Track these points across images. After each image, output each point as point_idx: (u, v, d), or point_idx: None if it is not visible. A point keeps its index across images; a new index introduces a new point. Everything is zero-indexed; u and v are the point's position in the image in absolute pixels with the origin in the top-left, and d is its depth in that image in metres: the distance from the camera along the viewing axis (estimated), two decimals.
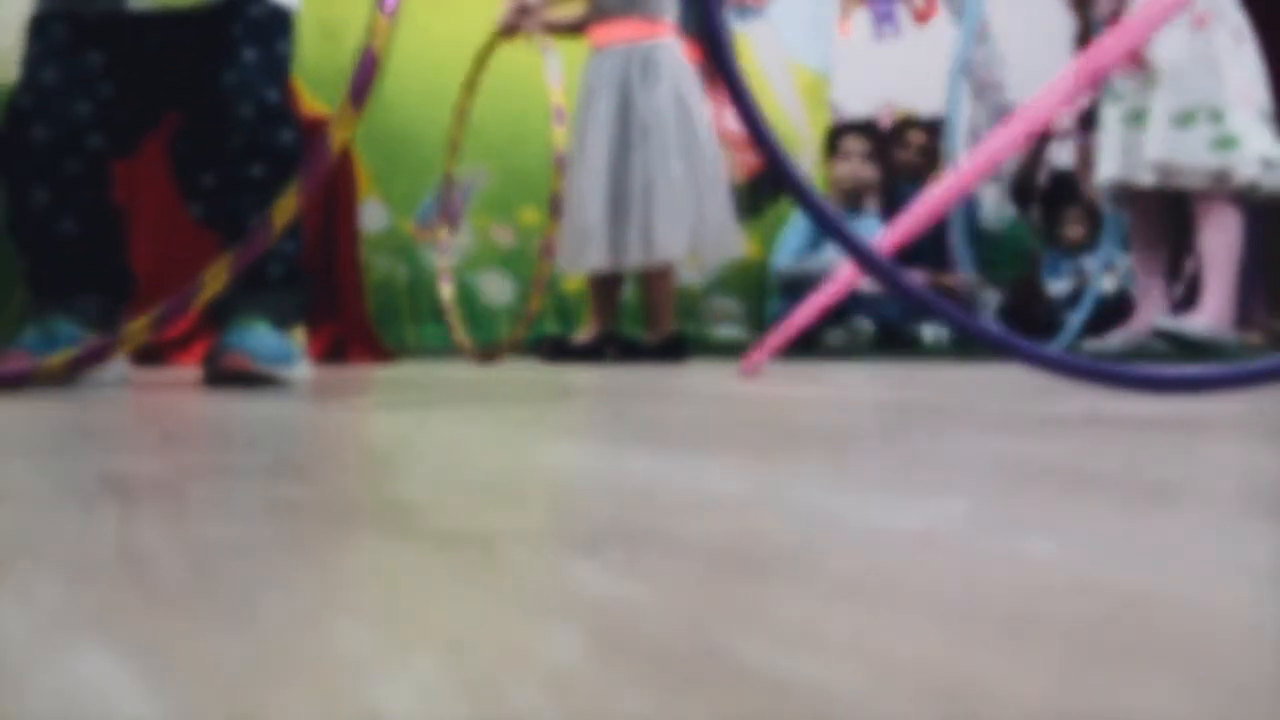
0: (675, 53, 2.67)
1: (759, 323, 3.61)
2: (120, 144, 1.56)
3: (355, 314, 2.87)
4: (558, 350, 2.69)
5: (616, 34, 2.64)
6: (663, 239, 2.56)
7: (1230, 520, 0.40)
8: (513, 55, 2.70)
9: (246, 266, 1.34)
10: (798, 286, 3.44)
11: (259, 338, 1.45)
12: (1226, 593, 0.28)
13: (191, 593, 0.27)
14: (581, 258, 2.64)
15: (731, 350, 3.06)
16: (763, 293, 3.67)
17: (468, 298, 3.22)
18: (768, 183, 3.81)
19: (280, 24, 1.59)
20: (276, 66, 1.57)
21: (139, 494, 0.46)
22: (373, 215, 3.09)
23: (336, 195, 2.62)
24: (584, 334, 2.74)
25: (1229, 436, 0.75)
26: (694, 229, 2.62)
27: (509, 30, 2.62)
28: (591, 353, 2.69)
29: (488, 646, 0.22)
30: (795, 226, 3.55)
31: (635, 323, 3.01)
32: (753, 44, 3.89)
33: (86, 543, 0.34)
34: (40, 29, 1.51)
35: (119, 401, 1.13)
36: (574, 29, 2.69)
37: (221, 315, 1.53)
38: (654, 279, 2.66)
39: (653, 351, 2.69)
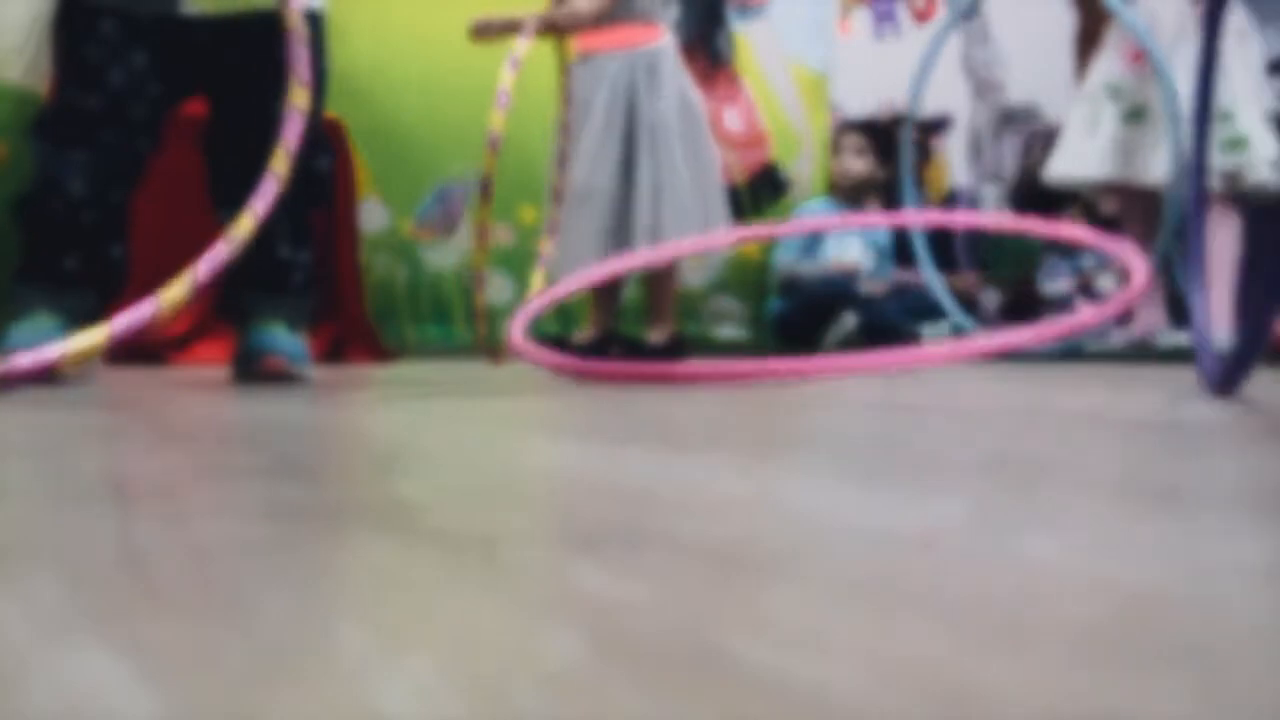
0: (674, 56, 2.66)
1: (759, 323, 3.60)
2: (159, 142, 1.58)
3: (355, 314, 2.87)
4: (558, 350, 2.69)
5: (614, 40, 2.62)
6: (670, 241, 2.57)
7: (1230, 520, 0.40)
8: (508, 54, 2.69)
9: (264, 276, 1.50)
10: (797, 286, 3.44)
11: (285, 340, 1.53)
12: (1227, 593, 0.28)
13: (191, 593, 0.27)
14: (582, 264, 2.64)
15: (732, 350, 3.06)
16: (763, 293, 3.67)
17: (467, 297, 3.21)
18: (767, 183, 3.81)
19: (322, 37, 1.61)
20: (324, 89, 1.61)
21: (139, 494, 0.46)
22: (373, 215, 3.08)
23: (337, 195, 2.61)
24: (584, 334, 2.74)
25: (1228, 437, 0.75)
26: (701, 230, 2.62)
27: (484, 30, 2.56)
28: (592, 352, 2.69)
29: (488, 646, 0.22)
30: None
31: (637, 323, 3.01)
32: (753, 44, 3.88)
33: (86, 543, 0.34)
34: (88, 23, 1.48)
35: (119, 401, 1.13)
36: (563, 32, 2.66)
37: (238, 318, 1.59)
38: (658, 279, 2.66)
39: (654, 351, 2.69)
